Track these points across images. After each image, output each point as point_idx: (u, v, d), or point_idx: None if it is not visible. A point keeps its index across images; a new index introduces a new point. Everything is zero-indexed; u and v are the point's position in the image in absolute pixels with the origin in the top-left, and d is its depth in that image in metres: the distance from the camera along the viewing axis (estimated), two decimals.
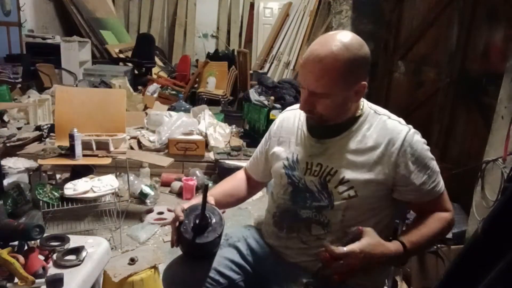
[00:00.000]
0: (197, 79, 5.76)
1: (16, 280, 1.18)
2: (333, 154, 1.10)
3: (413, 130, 1.10)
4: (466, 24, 2.66)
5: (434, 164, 1.11)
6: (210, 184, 3.06)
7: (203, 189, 1.11)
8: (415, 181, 1.07)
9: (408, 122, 1.16)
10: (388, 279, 1.27)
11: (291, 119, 1.24)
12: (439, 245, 1.91)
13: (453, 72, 2.77)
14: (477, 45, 2.56)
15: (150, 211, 2.73)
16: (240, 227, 1.33)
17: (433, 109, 3.05)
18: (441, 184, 1.13)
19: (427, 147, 1.11)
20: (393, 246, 1.01)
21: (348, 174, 1.07)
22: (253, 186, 1.38)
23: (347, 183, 1.07)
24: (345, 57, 0.99)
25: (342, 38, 1.01)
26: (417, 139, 1.09)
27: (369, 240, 0.97)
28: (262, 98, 4.08)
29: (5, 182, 2.57)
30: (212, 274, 1.16)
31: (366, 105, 1.14)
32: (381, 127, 1.09)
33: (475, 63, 2.59)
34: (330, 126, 1.11)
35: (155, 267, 1.78)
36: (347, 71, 1.00)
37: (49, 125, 3.62)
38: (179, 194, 3.08)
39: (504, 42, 2.27)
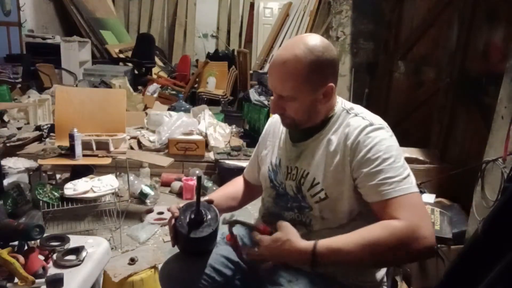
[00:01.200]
0: (197, 79, 5.76)
1: (16, 280, 1.18)
2: (306, 156, 1.12)
3: (376, 126, 1.04)
4: (466, 24, 2.66)
5: (396, 162, 0.99)
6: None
7: (197, 180, 1.13)
8: (366, 168, 0.99)
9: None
10: (388, 279, 1.27)
11: (277, 123, 1.25)
12: (439, 245, 1.92)
13: (453, 72, 2.78)
14: (477, 45, 2.56)
15: (150, 211, 2.73)
16: (237, 226, 1.34)
17: (433, 109, 3.05)
18: (403, 187, 0.97)
19: (393, 143, 1.03)
20: (304, 245, 0.97)
21: (318, 176, 1.08)
22: (252, 190, 1.40)
23: (318, 185, 1.07)
24: (307, 60, 1.00)
25: (307, 41, 1.02)
26: (378, 133, 1.02)
27: (279, 234, 0.99)
28: (262, 98, 4.08)
29: (5, 182, 2.57)
30: (208, 271, 1.17)
31: (340, 105, 1.12)
32: (345, 125, 1.07)
33: (475, 63, 2.59)
34: (304, 129, 1.12)
35: (155, 267, 1.78)
36: (311, 73, 1.01)
37: (49, 125, 3.62)
38: (179, 194, 3.08)
39: (504, 42, 2.28)
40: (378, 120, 1.07)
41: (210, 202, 1.19)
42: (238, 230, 1.30)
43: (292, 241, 0.97)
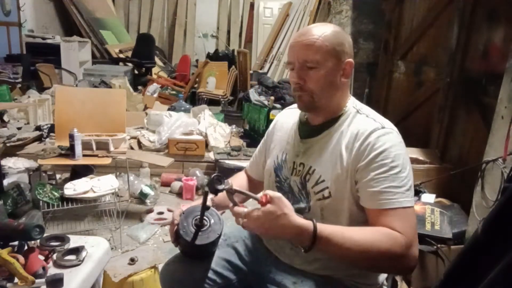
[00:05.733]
0: (197, 79, 5.76)
1: (16, 280, 1.18)
2: (313, 153, 1.11)
3: (387, 129, 1.03)
4: (466, 24, 2.66)
5: (403, 172, 0.98)
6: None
7: (203, 194, 1.09)
8: (371, 173, 0.98)
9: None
10: (388, 279, 1.27)
11: (286, 119, 1.26)
12: (439, 245, 1.92)
13: (453, 72, 2.77)
14: (477, 45, 2.56)
15: (150, 211, 2.73)
16: (239, 228, 1.34)
17: (433, 109, 3.05)
18: (404, 199, 0.96)
19: (403, 152, 1.01)
20: (303, 223, 0.91)
21: (324, 174, 1.07)
22: (255, 186, 1.39)
23: (323, 183, 1.07)
24: (332, 32, 1.06)
25: (327, 23, 1.12)
26: (389, 137, 1.01)
27: (273, 208, 0.90)
28: (262, 98, 4.08)
29: (5, 182, 2.57)
30: (209, 273, 1.17)
31: (350, 104, 1.13)
32: (355, 125, 1.07)
33: (475, 63, 2.59)
34: (313, 126, 1.13)
35: (155, 267, 1.78)
36: (336, 43, 1.05)
37: (49, 125, 3.62)
38: (179, 194, 3.08)
39: (504, 42, 2.28)
40: (389, 124, 1.07)
41: (207, 208, 1.15)
42: (242, 232, 1.30)
43: (289, 216, 0.90)
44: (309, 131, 1.15)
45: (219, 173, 1.12)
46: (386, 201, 0.97)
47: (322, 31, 1.05)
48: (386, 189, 0.97)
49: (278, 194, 0.93)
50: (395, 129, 1.06)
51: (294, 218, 0.91)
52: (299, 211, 1.11)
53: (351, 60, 1.08)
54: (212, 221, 1.14)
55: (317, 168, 1.09)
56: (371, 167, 0.99)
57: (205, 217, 1.13)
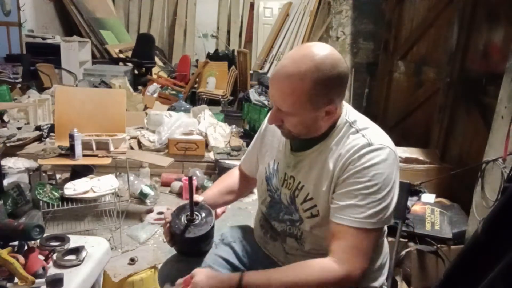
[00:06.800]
0: (197, 79, 5.76)
1: (16, 280, 1.18)
2: (303, 168, 1.07)
3: (375, 146, 0.96)
4: (466, 24, 2.66)
5: (381, 193, 0.94)
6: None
7: (188, 181, 1.14)
8: (345, 188, 0.96)
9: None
10: (388, 279, 1.27)
11: None
12: (439, 245, 1.92)
13: (453, 72, 2.77)
14: (477, 45, 2.56)
15: (150, 211, 2.73)
16: (236, 227, 1.34)
17: (433, 109, 3.05)
18: (369, 221, 0.94)
19: (387, 171, 0.95)
20: (227, 277, 0.98)
21: (312, 191, 1.03)
22: (248, 182, 1.37)
23: (311, 201, 1.04)
24: (313, 78, 0.92)
25: (315, 56, 0.93)
26: (375, 155, 0.95)
27: (197, 277, 0.98)
28: (262, 98, 4.09)
29: (5, 182, 2.57)
30: None
31: (343, 116, 1.04)
32: (344, 141, 1.01)
33: (475, 63, 2.59)
34: (304, 139, 1.06)
35: (155, 267, 1.78)
36: (315, 92, 0.93)
37: (49, 125, 3.62)
38: (179, 194, 3.08)
39: (504, 42, 2.27)
40: (379, 139, 0.99)
41: (196, 203, 1.17)
42: (239, 232, 1.30)
43: (211, 277, 0.97)
44: (299, 144, 1.09)
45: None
46: (343, 217, 0.95)
47: (301, 78, 0.92)
48: (350, 205, 0.95)
49: (196, 270, 0.99)
50: (387, 144, 0.99)
51: (218, 274, 0.98)
52: (292, 223, 1.10)
53: (333, 105, 0.97)
54: (203, 214, 1.15)
55: (305, 184, 1.05)
56: (346, 182, 0.97)
57: (196, 212, 1.14)
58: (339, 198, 0.97)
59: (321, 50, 0.94)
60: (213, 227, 1.15)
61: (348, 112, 1.06)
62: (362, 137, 0.99)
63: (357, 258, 0.94)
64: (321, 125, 1.02)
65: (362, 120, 1.05)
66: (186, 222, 1.13)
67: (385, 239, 1.19)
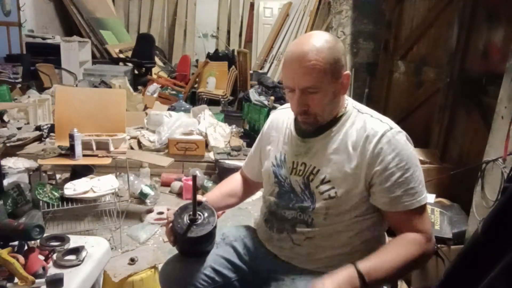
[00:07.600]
0: (197, 79, 5.76)
1: (16, 280, 1.18)
2: (316, 153, 1.11)
3: (395, 130, 1.06)
4: (466, 24, 2.65)
5: (416, 171, 1.04)
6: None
7: (192, 180, 1.13)
8: (390, 179, 1.03)
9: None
10: None
11: (280, 118, 1.25)
12: (439, 245, 1.92)
13: (453, 72, 2.77)
14: (477, 45, 2.56)
15: (150, 211, 2.73)
16: (237, 227, 1.34)
17: (433, 109, 3.05)
18: (421, 197, 1.04)
19: (412, 150, 1.06)
20: (343, 272, 0.95)
21: (329, 174, 1.07)
22: (250, 186, 1.40)
23: (328, 183, 1.07)
24: (327, 50, 1.02)
25: (319, 35, 1.06)
26: (399, 138, 1.05)
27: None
28: (262, 98, 4.08)
29: (5, 182, 2.57)
30: (208, 272, 1.17)
31: (350, 104, 1.14)
32: (361, 125, 1.08)
33: (475, 63, 2.59)
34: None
35: (155, 267, 1.78)
36: (332, 62, 1.03)
37: (49, 125, 3.62)
38: (179, 194, 3.08)
39: (504, 42, 2.27)
40: (393, 123, 1.09)
41: (199, 203, 1.17)
42: (241, 231, 1.30)
43: (331, 278, 0.93)
44: (309, 130, 1.14)
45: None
46: (407, 203, 1.03)
47: (318, 51, 1.02)
48: (405, 192, 1.03)
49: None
50: (398, 127, 1.08)
51: (337, 274, 0.95)
52: (302, 210, 1.12)
53: (347, 72, 1.08)
54: (206, 214, 1.15)
55: (321, 168, 1.09)
56: (388, 172, 1.03)
57: (198, 212, 1.15)
58: (392, 190, 1.03)
59: (321, 32, 1.09)
60: (215, 227, 1.15)
61: (352, 101, 1.16)
62: (380, 122, 1.08)
63: (430, 226, 1.06)
64: (339, 100, 1.10)
65: (367, 108, 1.15)
66: (188, 221, 1.13)
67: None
